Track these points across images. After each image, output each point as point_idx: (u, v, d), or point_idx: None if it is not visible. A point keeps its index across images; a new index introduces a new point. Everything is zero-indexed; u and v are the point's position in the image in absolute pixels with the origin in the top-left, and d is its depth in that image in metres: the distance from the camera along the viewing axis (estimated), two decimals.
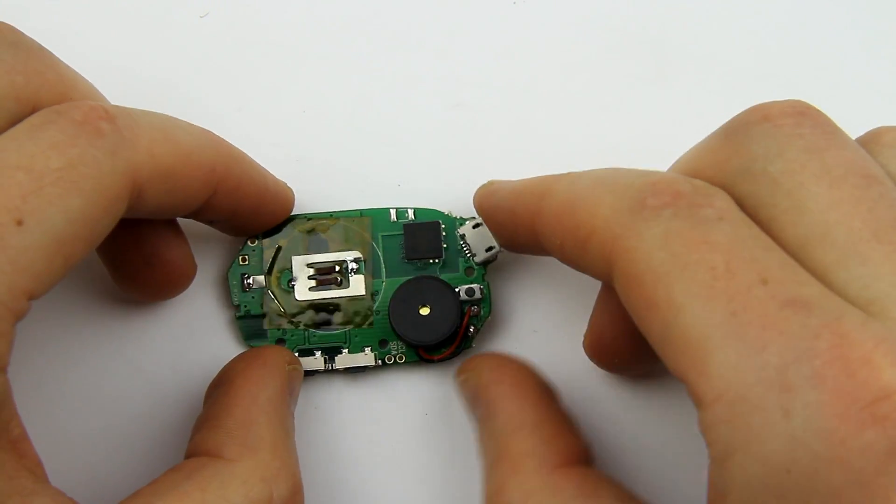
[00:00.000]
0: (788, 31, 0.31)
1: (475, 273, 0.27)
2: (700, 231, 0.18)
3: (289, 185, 0.28)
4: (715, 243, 0.18)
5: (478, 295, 0.27)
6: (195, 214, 0.25)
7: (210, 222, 0.26)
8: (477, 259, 0.27)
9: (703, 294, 0.18)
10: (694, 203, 0.19)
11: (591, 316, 0.26)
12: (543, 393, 0.24)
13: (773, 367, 0.16)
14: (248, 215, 0.26)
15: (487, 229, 0.27)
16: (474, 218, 0.27)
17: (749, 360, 0.17)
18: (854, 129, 0.22)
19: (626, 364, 0.26)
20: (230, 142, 0.25)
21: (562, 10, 0.31)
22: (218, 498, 0.22)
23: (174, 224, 0.26)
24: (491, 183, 0.26)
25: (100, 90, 0.30)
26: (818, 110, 0.21)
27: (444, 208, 0.28)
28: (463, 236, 0.27)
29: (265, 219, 0.27)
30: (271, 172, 0.27)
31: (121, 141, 0.21)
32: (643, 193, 0.20)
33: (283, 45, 0.30)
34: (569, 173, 0.23)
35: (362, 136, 0.30)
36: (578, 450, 0.23)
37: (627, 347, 0.24)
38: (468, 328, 0.27)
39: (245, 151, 0.25)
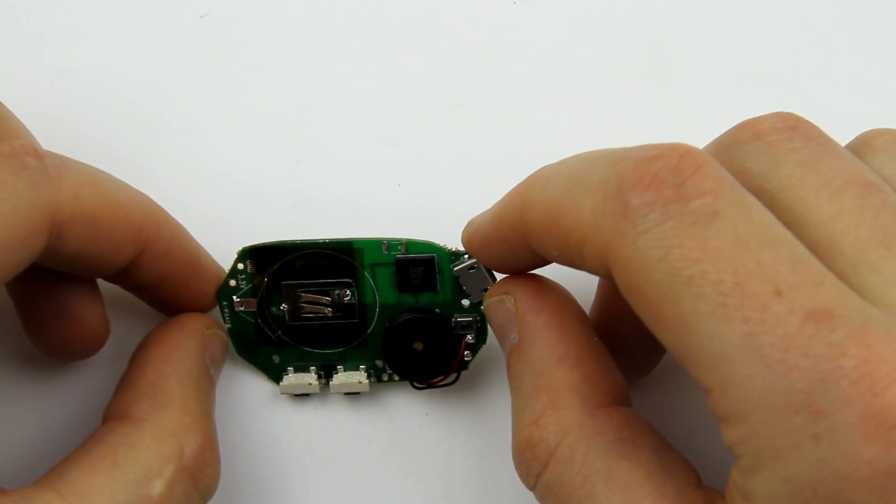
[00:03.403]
0: (788, 31, 0.31)
1: (470, 304, 0.26)
2: (696, 235, 0.17)
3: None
4: (716, 250, 0.17)
5: (474, 327, 0.26)
6: (121, 276, 0.24)
7: (137, 289, 0.26)
8: (472, 300, 0.26)
9: (715, 313, 0.17)
10: (681, 194, 0.18)
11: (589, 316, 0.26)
12: (584, 325, 0.23)
13: (799, 390, 0.16)
14: (177, 285, 0.25)
15: (483, 271, 0.26)
16: (469, 256, 0.26)
17: (774, 383, 0.16)
18: (853, 129, 0.22)
19: (622, 368, 0.25)
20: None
21: (562, 10, 0.31)
22: (129, 459, 0.22)
23: (92, 283, 0.25)
24: (471, 222, 0.25)
25: (100, 90, 0.30)
26: (808, 122, 0.20)
27: (444, 210, 0.28)
28: (458, 278, 0.26)
29: (195, 294, 0.26)
30: (206, 250, 0.26)
31: (44, 177, 0.21)
32: (622, 191, 0.18)
33: (283, 45, 0.30)
34: (538, 175, 0.22)
35: (362, 136, 0.30)
36: (618, 389, 0.22)
37: (622, 354, 0.24)
38: (463, 357, 0.26)
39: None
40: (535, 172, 0.22)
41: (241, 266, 0.26)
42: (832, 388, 0.16)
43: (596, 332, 0.24)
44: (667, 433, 0.22)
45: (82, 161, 0.23)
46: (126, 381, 0.24)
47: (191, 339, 0.25)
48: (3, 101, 0.25)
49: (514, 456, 0.22)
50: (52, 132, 0.27)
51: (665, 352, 0.26)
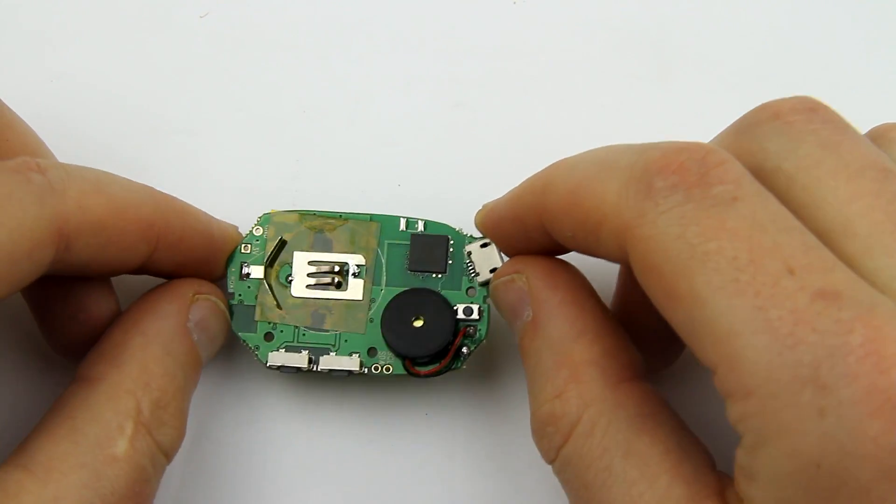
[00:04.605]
0: (788, 31, 0.31)
1: (476, 293, 0.26)
2: (716, 216, 0.18)
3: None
4: (733, 230, 0.18)
5: (476, 315, 0.26)
6: (139, 270, 0.25)
7: (159, 275, 0.26)
8: (480, 279, 0.26)
9: (727, 287, 0.17)
10: (703, 180, 0.18)
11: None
12: (599, 302, 0.23)
13: (806, 364, 0.16)
14: (197, 265, 0.26)
15: (494, 250, 0.26)
16: (483, 237, 0.26)
17: (782, 357, 0.17)
18: (856, 127, 0.22)
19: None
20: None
21: (562, 10, 0.31)
22: (87, 421, 0.22)
23: (106, 282, 0.25)
24: (486, 204, 0.26)
25: (100, 90, 0.30)
26: (827, 106, 0.21)
27: (445, 209, 0.28)
28: (469, 254, 0.26)
29: (213, 268, 0.26)
30: (215, 218, 0.27)
31: (49, 190, 0.21)
32: (648, 174, 0.19)
33: (283, 45, 0.30)
34: (564, 160, 0.22)
35: (362, 136, 0.30)
36: (637, 364, 0.22)
37: (643, 347, 0.24)
38: (461, 347, 0.26)
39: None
40: (559, 161, 0.22)
41: (258, 231, 0.27)
42: (838, 364, 0.16)
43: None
44: None
45: (83, 162, 0.23)
46: (95, 345, 0.24)
47: (170, 302, 0.25)
48: (6, 104, 0.25)
49: (534, 431, 0.22)
50: (52, 132, 0.27)
51: (684, 347, 0.26)
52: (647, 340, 0.24)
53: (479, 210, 0.26)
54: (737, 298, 0.17)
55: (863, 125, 0.22)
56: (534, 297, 0.23)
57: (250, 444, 0.28)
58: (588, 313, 0.23)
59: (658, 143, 0.20)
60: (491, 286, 0.25)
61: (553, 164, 0.22)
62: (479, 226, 0.26)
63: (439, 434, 0.28)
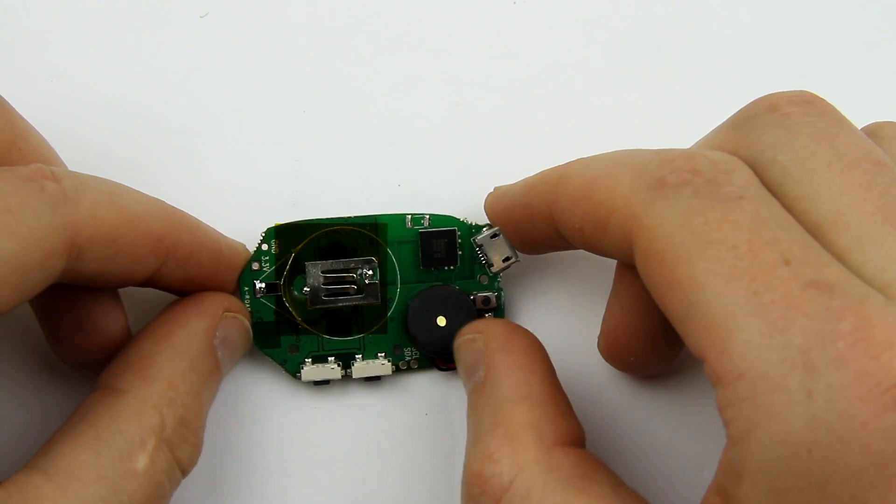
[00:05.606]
0: (788, 31, 0.31)
1: (489, 281, 0.27)
2: (721, 210, 0.19)
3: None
4: (736, 222, 0.18)
5: (493, 303, 0.27)
6: (147, 283, 0.25)
7: (166, 289, 0.26)
8: (493, 269, 0.27)
9: (725, 273, 0.18)
10: (714, 180, 0.19)
11: (605, 315, 0.26)
12: (549, 369, 0.24)
13: (796, 347, 0.17)
14: (204, 281, 0.26)
15: (503, 239, 0.27)
16: (490, 227, 0.27)
17: (772, 339, 0.17)
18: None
19: (641, 362, 0.25)
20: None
21: (562, 10, 0.31)
22: (111, 432, 0.22)
23: (114, 294, 0.25)
24: (497, 188, 0.26)
25: (100, 90, 0.30)
26: (823, 99, 0.21)
27: (445, 209, 0.28)
28: (480, 246, 0.27)
29: (220, 284, 0.26)
30: (224, 235, 0.27)
31: (63, 199, 0.21)
32: (662, 171, 0.20)
33: (283, 45, 0.30)
34: (581, 158, 0.23)
35: (362, 136, 0.30)
36: (576, 432, 0.23)
37: (642, 345, 0.24)
38: None
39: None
40: (576, 158, 0.23)
41: (265, 247, 0.27)
42: (828, 348, 0.16)
43: (616, 322, 0.24)
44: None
45: (83, 163, 0.23)
46: (121, 353, 0.24)
47: (200, 319, 0.25)
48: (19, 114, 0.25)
49: (462, 491, 0.22)
50: (53, 132, 0.27)
51: (680, 348, 0.26)
52: (643, 340, 0.24)
53: (490, 192, 0.26)
54: (732, 282, 0.18)
55: (863, 125, 0.22)
56: (488, 358, 0.23)
57: (249, 444, 0.28)
58: (536, 378, 0.23)
59: (674, 149, 0.21)
60: (456, 343, 0.25)
61: (570, 161, 0.23)
62: (487, 209, 0.26)
63: (439, 434, 0.28)
